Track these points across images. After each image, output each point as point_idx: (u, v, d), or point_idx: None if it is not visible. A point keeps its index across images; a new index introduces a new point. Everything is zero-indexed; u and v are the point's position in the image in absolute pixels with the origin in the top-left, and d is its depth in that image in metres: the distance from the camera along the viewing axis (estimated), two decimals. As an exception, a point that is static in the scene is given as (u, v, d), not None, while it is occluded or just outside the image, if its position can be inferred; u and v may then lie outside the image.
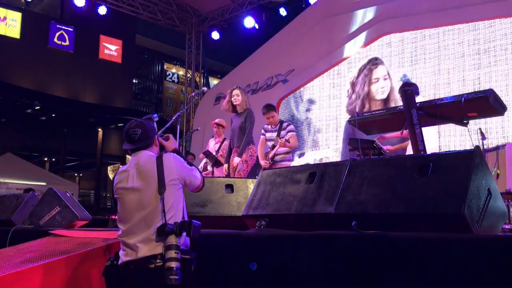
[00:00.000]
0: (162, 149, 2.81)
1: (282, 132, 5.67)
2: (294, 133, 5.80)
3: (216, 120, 6.90)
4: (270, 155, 5.65)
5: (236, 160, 5.31)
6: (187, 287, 2.42)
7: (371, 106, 8.83)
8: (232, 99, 5.49)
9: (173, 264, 2.30)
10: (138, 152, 2.66)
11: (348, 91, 9.42)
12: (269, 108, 5.83)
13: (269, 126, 5.84)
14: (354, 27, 9.59)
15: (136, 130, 2.64)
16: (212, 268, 2.91)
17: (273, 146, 5.69)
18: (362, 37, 9.35)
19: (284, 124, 5.78)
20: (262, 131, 5.92)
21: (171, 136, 2.92)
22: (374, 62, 9.05)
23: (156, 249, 2.42)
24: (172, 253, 2.32)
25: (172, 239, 2.35)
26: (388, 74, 8.76)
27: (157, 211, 2.47)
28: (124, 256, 2.52)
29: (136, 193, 2.54)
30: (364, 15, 9.43)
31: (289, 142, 5.57)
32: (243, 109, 5.49)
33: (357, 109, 9.10)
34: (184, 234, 2.40)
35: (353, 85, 9.30)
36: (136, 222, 2.51)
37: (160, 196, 2.46)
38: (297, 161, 9.24)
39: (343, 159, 8.60)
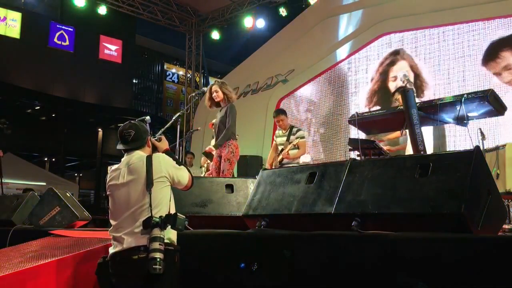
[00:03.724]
0: (155, 149, 2.93)
1: (292, 138, 5.71)
2: (304, 140, 5.78)
3: (213, 121, 6.90)
4: (278, 159, 5.71)
5: (211, 148, 5.05)
6: (170, 278, 2.54)
7: (385, 104, 8.64)
8: (212, 96, 5.19)
9: (157, 255, 2.41)
10: (131, 152, 2.81)
11: (371, 79, 9.19)
12: (278, 112, 5.92)
13: (280, 131, 5.89)
14: (354, 27, 9.58)
15: (130, 132, 2.81)
16: (212, 267, 2.91)
17: (281, 150, 5.74)
18: (362, 37, 9.35)
19: (294, 130, 5.80)
20: (274, 137, 6.01)
21: (163, 137, 3.04)
22: (394, 58, 8.76)
23: (140, 241, 2.53)
24: (156, 245, 2.43)
25: (156, 232, 2.47)
26: (411, 68, 8.45)
27: (144, 206, 2.60)
28: (112, 249, 2.66)
29: (125, 189, 2.69)
30: (364, 15, 9.43)
31: (298, 149, 5.63)
32: (225, 104, 5.19)
33: (371, 104, 9.02)
34: (169, 227, 2.51)
35: (372, 78, 9.11)
36: (125, 217, 2.65)
37: (148, 192, 2.59)
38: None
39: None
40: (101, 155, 18.80)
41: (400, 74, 8.31)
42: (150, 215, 2.52)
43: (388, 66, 8.85)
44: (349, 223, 2.42)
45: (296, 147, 5.66)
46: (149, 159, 2.69)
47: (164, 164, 2.73)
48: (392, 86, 8.69)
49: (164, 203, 2.64)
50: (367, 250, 2.29)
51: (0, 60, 15.80)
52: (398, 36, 8.76)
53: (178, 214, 2.52)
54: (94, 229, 4.28)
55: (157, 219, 2.49)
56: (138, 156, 2.76)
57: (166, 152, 2.92)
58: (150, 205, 2.55)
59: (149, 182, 2.61)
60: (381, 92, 8.88)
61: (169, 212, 2.59)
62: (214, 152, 5.23)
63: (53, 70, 17.24)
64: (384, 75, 8.88)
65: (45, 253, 3.21)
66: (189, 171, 2.91)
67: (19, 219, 4.83)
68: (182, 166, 2.86)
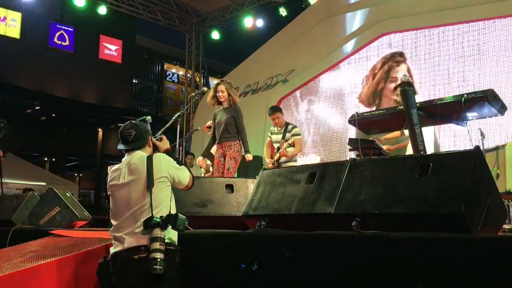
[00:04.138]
0: (156, 149, 2.94)
1: (287, 135, 5.62)
2: (299, 137, 5.70)
3: (207, 124, 6.89)
4: (275, 157, 5.65)
5: (249, 156, 5.11)
6: (171, 278, 2.55)
7: (383, 104, 8.66)
8: (217, 94, 5.18)
9: (158, 255, 2.42)
10: (132, 152, 2.81)
11: (363, 79, 9.17)
12: (274, 109, 5.85)
13: (275, 129, 5.82)
14: (354, 27, 9.59)
15: (131, 132, 2.81)
16: (212, 267, 2.91)
17: (278, 148, 5.68)
18: (362, 37, 9.35)
19: (289, 127, 5.71)
20: (269, 133, 5.94)
21: (164, 137, 3.06)
22: (397, 59, 8.74)
23: (141, 241, 2.54)
24: (157, 245, 2.44)
25: (157, 232, 2.47)
26: (409, 72, 8.50)
27: (145, 206, 2.61)
28: (112, 249, 2.68)
29: (126, 189, 2.69)
30: (364, 15, 9.43)
31: (293, 147, 5.54)
32: (229, 104, 5.22)
33: (368, 101, 8.99)
34: (170, 227, 2.52)
35: (373, 75, 9.07)
36: (126, 217, 2.66)
37: (148, 192, 2.59)
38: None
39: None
40: (101, 155, 18.81)
41: (400, 74, 8.35)
42: (151, 215, 2.53)
43: (390, 68, 8.84)
44: (349, 223, 2.42)
45: (292, 145, 5.57)
46: (149, 159, 2.70)
47: (164, 164, 2.74)
48: (391, 86, 8.65)
49: (164, 203, 2.65)
50: (367, 250, 2.29)
51: (0, 60, 15.80)
52: (398, 36, 8.76)
53: (179, 214, 2.53)
54: (94, 229, 4.28)
55: (158, 219, 2.50)
56: (139, 156, 2.76)
57: (166, 151, 2.93)
58: (151, 206, 2.56)
59: (149, 182, 2.61)
60: (381, 94, 8.88)
61: (169, 212, 2.60)
62: (215, 153, 5.23)
63: (53, 70, 17.24)
64: (385, 76, 8.86)
65: (45, 253, 3.21)
66: (189, 171, 2.92)
67: (19, 219, 4.84)
68: (182, 166, 2.87)
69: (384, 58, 8.97)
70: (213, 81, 20.49)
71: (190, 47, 15.51)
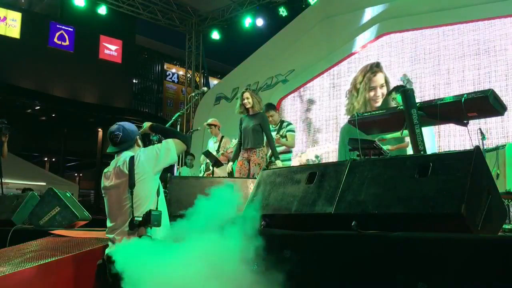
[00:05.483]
0: (149, 135, 3.04)
1: (282, 131, 5.70)
2: (293, 133, 5.78)
3: (208, 121, 6.92)
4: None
5: (279, 163, 5.24)
6: None
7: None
8: (243, 102, 5.39)
9: None
10: (120, 154, 2.84)
11: (346, 92, 9.36)
12: (268, 107, 5.87)
13: (270, 126, 5.84)
14: (354, 27, 9.58)
15: (117, 134, 2.82)
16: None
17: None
18: (362, 37, 9.35)
19: (284, 124, 5.80)
20: None
21: (145, 123, 3.07)
22: (374, 69, 8.98)
23: (131, 240, 2.60)
24: None
25: (143, 231, 2.55)
26: (386, 81, 8.72)
27: (131, 207, 2.66)
28: (107, 250, 2.73)
29: (114, 191, 2.75)
30: (364, 15, 9.43)
31: (286, 140, 5.57)
32: (256, 111, 5.41)
33: (351, 113, 9.10)
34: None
35: (355, 88, 9.21)
36: (117, 218, 2.72)
37: (129, 193, 2.65)
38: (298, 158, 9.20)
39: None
40: (101, 155, 18.79)
41: (399, 74, 8.35)
42: (137, 215, 2.60)
43: (369, 79, 8.98)
44: (349, 223, 2.42)
45: (285, 138, 5.68)
46: (131, 160, 2.72)
47: (146, 161, 2.74)
48: (372, 94, 8.88)
49: (150, 201, 2.69)
50: (367, 250, 2.29)
51: (0, 60, 15.80)
52: (398, 36, 8.76)
53: (152, 210, 2.57)
54: (94, 229, 4.28)
55: (139, 219, 2.56)
56: (124, 157, 2.78)
57: (151, 127, 2.98)
58: (132, 206, 2.63)
59: (131, 184, 2.65)
60: (363, 102, 8.98)
61: (156, 208, 2.65)
62: (240, 155, 5.36)
63: (53, 70, 17.24)
64: (366, 87, 8.97)
65: (45, 253, 3.22)
66: (178, 134, 2.92)
67: (19, 219, 4.84)
68: (165, 144, 2.80)
69: (363, 70, 9.13)
70: (213, 81, 20.54)
71: (190, 47, 15.52)
